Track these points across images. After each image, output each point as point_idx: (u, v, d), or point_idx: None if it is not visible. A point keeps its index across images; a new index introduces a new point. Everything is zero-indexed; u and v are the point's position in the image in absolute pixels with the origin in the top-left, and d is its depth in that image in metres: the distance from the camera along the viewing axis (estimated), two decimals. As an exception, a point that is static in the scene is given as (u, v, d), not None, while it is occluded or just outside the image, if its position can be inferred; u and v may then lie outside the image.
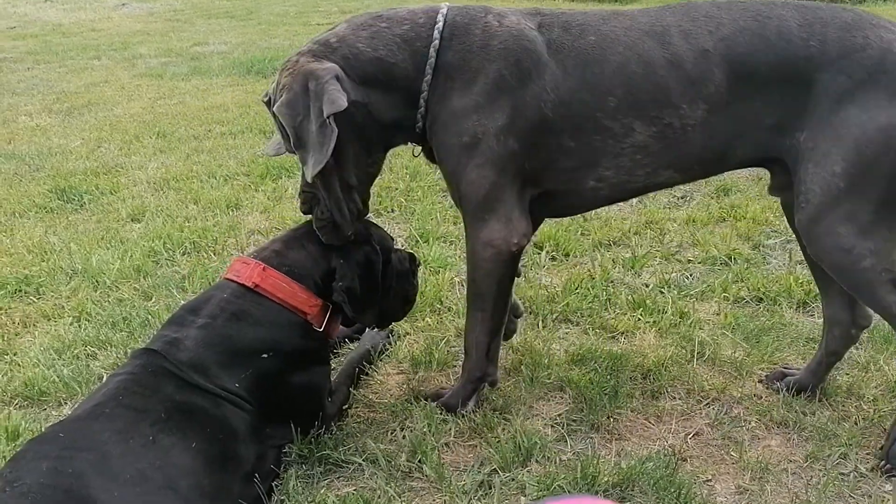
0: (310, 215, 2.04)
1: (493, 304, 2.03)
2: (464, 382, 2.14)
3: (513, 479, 1.89)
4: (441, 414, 2.11)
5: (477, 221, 1.94)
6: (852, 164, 1.72)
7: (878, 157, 1.71)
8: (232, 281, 1.98)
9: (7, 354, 2.54)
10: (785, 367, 2.27)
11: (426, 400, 2.17)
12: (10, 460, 1.54)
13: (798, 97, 1.77)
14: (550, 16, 1.95)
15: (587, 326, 2.58)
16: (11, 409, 2.22)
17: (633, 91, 1.84)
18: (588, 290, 2.77)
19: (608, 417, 2.11)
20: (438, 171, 2.08)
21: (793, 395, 2.13)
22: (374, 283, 2.10)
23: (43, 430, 1.74)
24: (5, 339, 2.63)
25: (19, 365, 2.46)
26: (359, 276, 2.05)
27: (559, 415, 2.13)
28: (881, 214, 1.75)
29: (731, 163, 1.94)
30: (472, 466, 1.94)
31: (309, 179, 1.86)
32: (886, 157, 1.71)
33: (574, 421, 2.10)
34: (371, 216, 2.45)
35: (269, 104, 1.94)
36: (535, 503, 0.95)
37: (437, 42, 1.88)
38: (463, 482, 1.87)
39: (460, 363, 2.38)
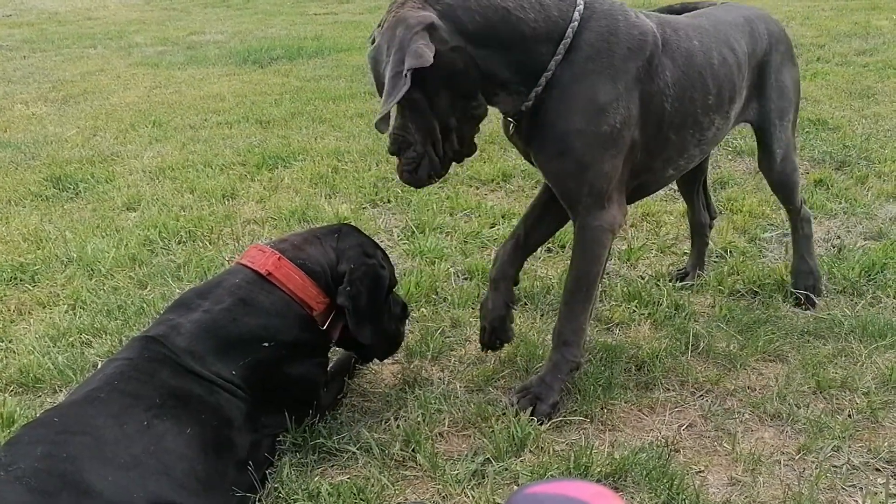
0: (395, 156, 1.99)
1: (596, 288, 2.12)
2: (560, 373, 2.08)
3: (506, 469, 1.89)
4: (434, 404, 2.12)
5: (598, 209, 1.98)
6: (794, 107, 2.48)
7: (798, 98, 2.52)
8: (245, 266, 1.98)
9: (2, 341, 2.54)
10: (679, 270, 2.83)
11: (514, 403, 2.08)
12: (5, 444, 1.54)
13: (759, 74, 2.35)
14: (663, 17, 2.13)
15: (592, 315, 2.57)
16: (6, 395, 2.22)
17: (722, 89, 2.15)
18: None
19: (602, 408, 2.11)
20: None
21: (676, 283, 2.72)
22: (378, 296, 2.10)
23: (38, 415, 1.74)
24: (0, 326, 2.63)
25: (14, 352, 2.46)
26: (365, 286, 2.05)
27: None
28: (794, 131, 2.56)
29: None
30: (466, 456, 1.94)
31: (377, 128, 1.79)
32: (798, 97, 2.54)
33: (568, 411, 2.10)
34: (380, 239, 2.43)
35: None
36: (525, 487, 0.95)
37: (576, 23, 1.87)
38: (457, 471, 1.88)
39: (455, 354, 2.40)
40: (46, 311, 2.73)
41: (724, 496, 1.79)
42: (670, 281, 2.75)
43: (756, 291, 2.67)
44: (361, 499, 1.79)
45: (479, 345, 2.32)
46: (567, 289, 2.11)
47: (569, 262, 2.92)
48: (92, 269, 2.98)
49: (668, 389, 2.19)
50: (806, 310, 2.54)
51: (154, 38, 8.91)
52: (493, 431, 1.99)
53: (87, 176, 4.10)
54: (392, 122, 1.86)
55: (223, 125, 5.04)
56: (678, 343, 2.37)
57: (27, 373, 2.30)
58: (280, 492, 1.82)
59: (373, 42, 1.89)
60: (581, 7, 1.89)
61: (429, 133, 1.91)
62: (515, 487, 1.84)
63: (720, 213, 3.24)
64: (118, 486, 1.49)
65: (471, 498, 1.80)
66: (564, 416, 2.07)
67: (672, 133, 2.08)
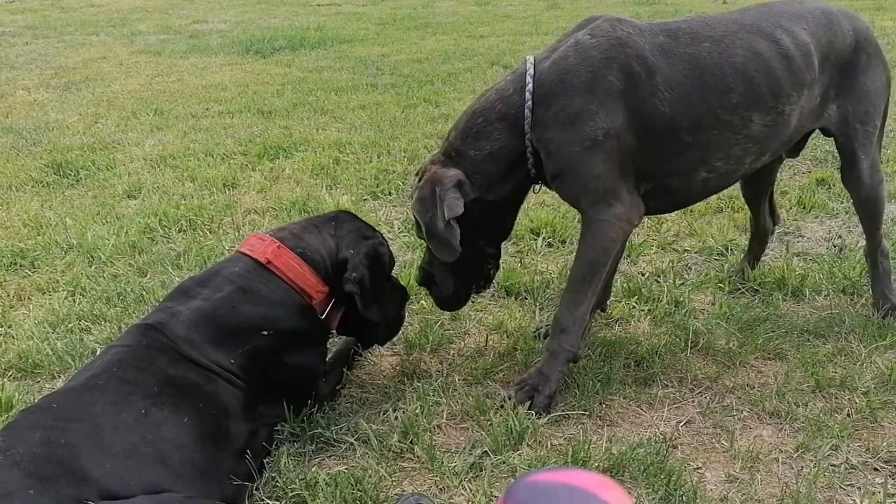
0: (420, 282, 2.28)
1: (600, 279, 2.13)
2: (558, 363, 2.09)
3: (504, 462, 1.89)
4: (432, 396, 2.12)
5: (602, 205, 2.05)
6: (879, 113, 2.34)
7: (885, 104, 2.36)
8: (245, 255, 1.98)
9: (1, 327, 2.53)
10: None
11: (511, 396, 2.09)
12: (4, 429, 1.54)
13: (840, 73, 2.25)
14: (662, 24, 2.14)
15: (594, 313, 2.57)
16: (5, 380, 2.22)
17: (754, 86, 2.09)
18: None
19: (600, 403, 2.11)
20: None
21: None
22: (380, 273, 2.11)
23: (36, 400, 1.73)
24: (0, 311, 2.63)
25: (13, 337, 2.46)
26: (368, 267, 2.05)
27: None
28: (881, 142, 2.46)
29: (797, 138, 2.32)
30: (464, 449, 1.94)
31: (446, 260, 2.09)
32: (886, 103, 2.38)
33: (566, 406, 2.10)
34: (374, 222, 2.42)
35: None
36: (526, 475, 0.95)
37: (529, 101, 2.04)
38: (454, 464, 1.88)
39: (454, 347, 2.39)
40: (46, 297, 2.72)
41: (721, 493, 1.79)
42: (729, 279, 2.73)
43: (756, 289, 2.67)
44: (359, 489, 1.79)
45: (478, 339, 2.32)
46: (570, 277, 2.13)
47: (568, 256, 2.95)
48: (92, 256, 2.98)
49: (667, 386, 2.19)
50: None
51: (157, 27, 8.88)
52: (491, 424, 1.99)
53: (88, 163, 4.09)
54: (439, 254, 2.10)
55: (225, 114, 5.03)
56: (677, 340, 2.37)
57: (26, 358, 2.30)
58: (277, 481, 1.82)
59: (412, 194, 2.14)
60: (530, 84, 2.05)
61: (456, 268, 2.17)
62: (506, 488, 1.84)
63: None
64: (115, 473, 1.48)
65: (468, 490, 1.80)
66: (563, 411, 2.07)
67: (686, 135, 2.07)
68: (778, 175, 2.74)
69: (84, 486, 1.43)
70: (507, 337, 2.43)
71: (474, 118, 2.11)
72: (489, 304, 2.64)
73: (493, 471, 1.86)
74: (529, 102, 2.04)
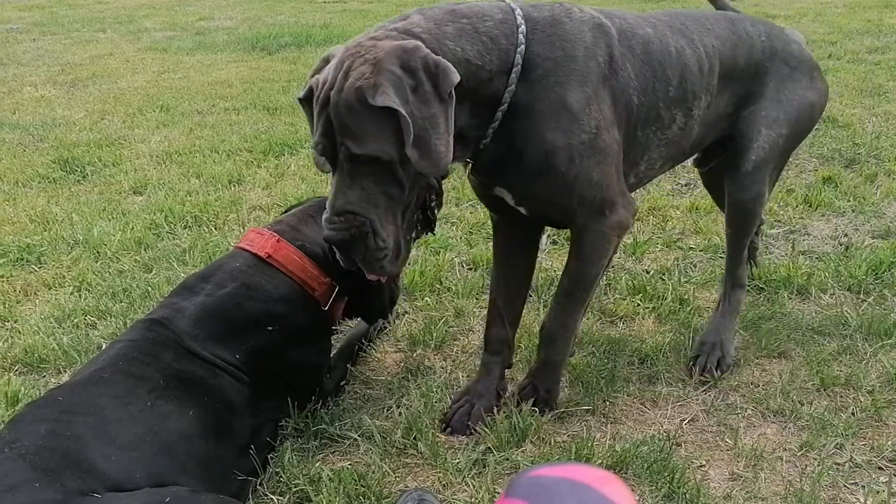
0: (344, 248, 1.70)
1: (594, 291, 2.03)
2: (556, 368, 2.05)
3: (507, 459, 1.89)
4: (436, 393, 2.12)
5: (598, 216, 1.84)
6: (791, 128, 2.18)
7: (802, 125, 2.23)
8: (244, 250, 1.98)
9: (8, 321, 2.55)
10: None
11: (521, 401, 2.04)
12: (10, 422, 1.55)
13: (753, 80, 2.14)
14: (605, 10, 1.93)
15: (586, 310, 2.57)
16: (11, 374, 2.23)
17: (684, 81, 1.96)
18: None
19: (604, 401, 2.11)
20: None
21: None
22: None
23: (42, 394, 1.74)
24: (6, 306, 2.64)
25: (20, 332, 2.47)
26: None
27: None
28: (779, 172, 2.30)
29: (696, 150, 2.23)
30: (467, 445, 1.94)
31: (440, 172, 1.63)
32: (804, 126, 2.25)
33: (570, 403, 2.10)
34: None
35: (307, 100, 1.71)
36: (528, 470, 0.95)
37: (522, 46, 1.71)
38: (457, 460, 1.88)
39: (458, 343, 2.39)
40: (52, 292, 2.73)
41: (724, 491, 1.78)
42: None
43: (761, 288, 2.66)
44: (362, 485, 1.79)
45: (482, 336, 2.27)
46: (562, 288, 1.98)
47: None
48: (98, 252, 2.99)
49: (671, 384, 2.18)
50: (704, 384, 2.17)
51: (163, 23, 8.90)
52: (494, 421, 1.99)
53: (95, 159, 4.10)
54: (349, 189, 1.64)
55: (230, 111, 5.04)
56: (682, 338, 2.37)
57: (32, 353, 2.31)
58: (281, 476, 1.83)
59: (309, 95, 1.69)
60: (522, 25, 1.73)
61: (398, 206, 1.69)
62: (508, 482, 1.84)
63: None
64: (120, 465, 1.49)
65: (471, 486, 1.81)
66: (566, 408, 2.07)
67: (638, 130, 1.91)
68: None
69: (89, 478, 1.44)
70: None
71: (456, 15, 1.71)
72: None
73: (496, 467, 1.86)
74: (522, 47, 1.71)
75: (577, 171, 1.76)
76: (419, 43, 1.58)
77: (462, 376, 2.23)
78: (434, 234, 2.13)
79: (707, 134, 2.13)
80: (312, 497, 1.75)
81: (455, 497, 1.78)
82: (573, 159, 1.75)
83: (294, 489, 1.78)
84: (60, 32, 8.40)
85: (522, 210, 1.91)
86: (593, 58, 1.77)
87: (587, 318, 2.51)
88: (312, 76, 1.71)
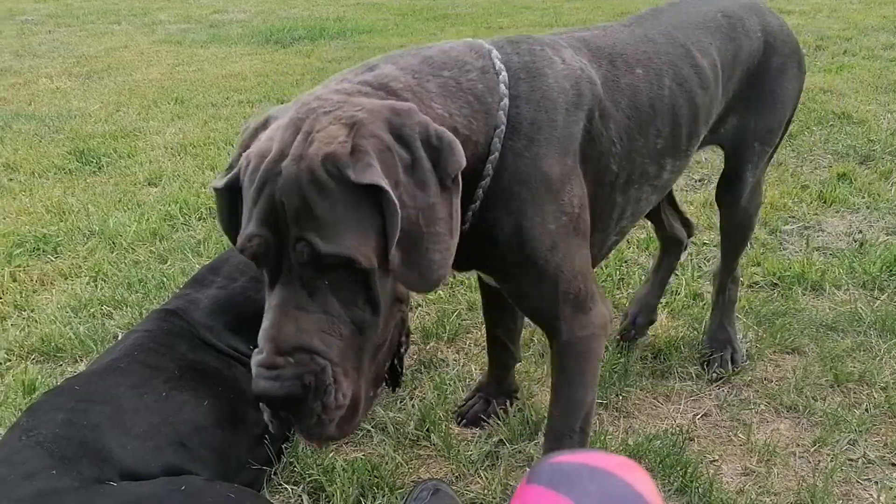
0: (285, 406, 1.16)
1: (593, 416, 1.61)
2: None
3: (519, 452, 1.90)
4: (449, 385, 2.12)
5: (582, 314, 1.48)
6: (783, 127, 1.98)
7: (790, 118, 2.00)
8: None
9: (24, 311, 2.57)
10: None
11: None
12: (27, 410, 1.57)
13: (746, 83, 1.84)
14: (593, 43, 1.57)
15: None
16: (28, 363, 2.26)
17: (677, 126, 1.63)
18: (601, 269, 2.76)
19: (617, 395, 2.11)
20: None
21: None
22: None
23: (59, 383, 1.76)
24: (23, 295, 2.66)
25: (36, 321, 2.49)
26: None
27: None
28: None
29: None
30: (480, 438, 1.95)
31: (430, 289, 1.14)
32: (791, 117, 2.01)
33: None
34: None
35: (227, 189, 1.21)
36: (548, 456, 0.96)
37: (506, 100, 1.33)
38: (470, 452, 1.89)
39: (471, 336, 2.40)
40: (68, 282, 2.76)
41: (737, 486, 1.78)
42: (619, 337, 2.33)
43: (776, 283, 2.65)
44: (375, 476, 1.80)
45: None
46: (554, 423, 1.56)
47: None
48: (113, 243, 3.01)
49: (684, 378, 2.18)
50: (714, 375, 2.16)
51: (177, 16, 8.93)
52: (507, 414, 2.00)
53: (110, 150, 4.13)
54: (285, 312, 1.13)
55: (244, 104, 5.05)
56: (695, 333, 2.36)
57: (49, 342, 2.33)
58: (295, 466, 1.84)
59: (228, 183, 1.20)
60: (503, 73, 1.35)
61: (368, 342, 1.18)
62: (528, 469, 1.85)
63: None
64: (136, 454, 1.51)
65: (483, 478, 1.81)
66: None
67: (618, 195, 1.57)
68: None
69: (105, 467, 1.45)
70: (525, 328, 2.43)
71: (434, 66, 1.31)
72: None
73: (508, 460, 1.87)
74: (506, 101, 1.33)
75: (559, 261, 1.40)
76: (413, 105, 1.16)
77: (475, 369, 2.23)
78: (398, 389, 1.52)
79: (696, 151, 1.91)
80: (326, 487, 1.76)
81: (468, 489, 1.79)
82: (555, 247, 1.38)
83: (308, 479, 1.80)
84: (75, 24, 8.44)
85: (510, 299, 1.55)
86: (575, 123, 1.40)
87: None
88: (241, 150, 1.21)
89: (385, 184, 1.06)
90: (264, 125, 1.21)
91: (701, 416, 2.03)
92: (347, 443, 1.95)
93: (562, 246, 1.40)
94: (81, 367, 2.21)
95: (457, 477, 1.83)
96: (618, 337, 2.32)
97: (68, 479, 1.38)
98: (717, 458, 1.88)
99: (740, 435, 1.95)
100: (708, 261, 2.86)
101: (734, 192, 2.02)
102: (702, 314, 2.45)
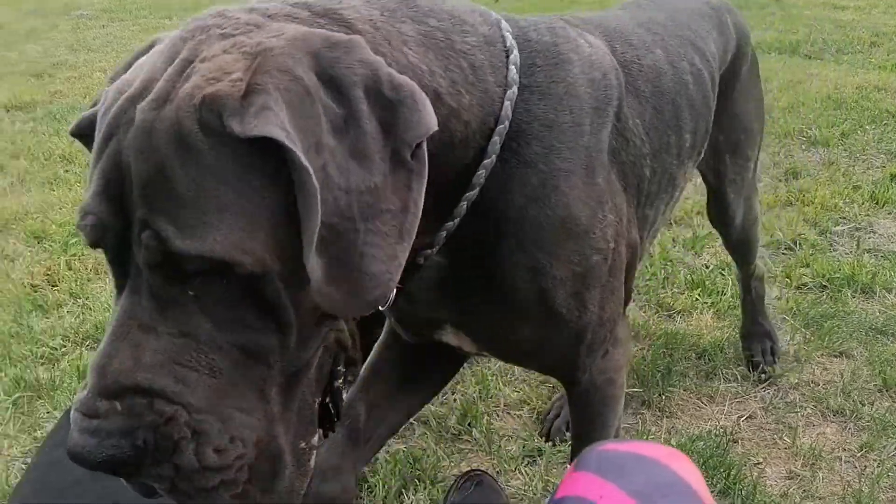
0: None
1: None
2: None
3: (560, 451, 1.91)
4: (491, 380, 2.14)
5: (607, 353, 1.22)
6: (757, 140, 1.84)
7: (762, 128, 1.87)
8: None
9: (80, 298, 2.66)
10: None
11: None
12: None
13: (721, 92, 1.61)
14: (600, 23, 1.29)
15: (643, 303, 2.56)
16: (83, 349, 2.34)
17: (699, 119, 1.39)
18: (646, 267, 2.75)
19: (660, 395, 2.10)
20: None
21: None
22: None
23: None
24: (78, 283, 2.75)
25: (91, 309, 2.57)
26: None
27: (610, 389, 2.13)
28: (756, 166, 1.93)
29: None
30: (521, 434, 1.96)
31: (367, 311, 0.77)
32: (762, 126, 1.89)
33: (626, 396, 2.10)
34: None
35: (85, 134, 0.88)
36: (596, 444, 0.96)
37: (514, 88, 0.97)
38: (511, 448, 1.90)
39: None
40: (121, 271, 2.84)
41: (781, 489, 1.77)
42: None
43: (824, 285, 2.61)
44: (417, 468, 1.83)
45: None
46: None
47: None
48: (164, 234, 3.09)
49: (729, 380, 2.16)
50: (762, 375, 2.14)
51: (226, 11, 9.06)
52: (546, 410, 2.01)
53: (161, 143, 4.23)
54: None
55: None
56: (741, 333, 2.34)
57: (102, 329, 2.41)
58: (339, 456, 1.87)
59: (86, 123, 0.88)
60: (514, 53, 0.99)
61: (268, 376, 0.78)
62: (569, 467, 1.86)
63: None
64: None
65: (525, 475, 1.83)
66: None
67: (647, 207, 1.27)
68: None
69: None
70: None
71: (419, 11, 0.92)
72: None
73: (550, 457, 1.88)
74: (514, 90, 0.97)
75: (582, 310, 1.08)
76: (360, 39, 0.77)
77: (518, 368, 2.24)
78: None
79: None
80: (368, 478, 1.80)
81: (508, 484, 1.81)
82: (579, 294, 1.06)
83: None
84: (128, 19, 8.64)
85: (484, 354, 1.24)
86: (605, 126, 1.09)
87: (643, 312, 2.50)
88: (109, 83, 0.87)
89: (289, 139, 0.67)
90: (148, 48, 0.88)
91: (745, 419, 2.01)
92: (390, 435, 1.98)
93: (588, 292, 1.07)
94: (134, 354, 2.28)
95: (498, 472, 1.85)
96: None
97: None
98: (761, 460, 1.86)
99: (785, 438, 1.93)
100: (754, 261, 2.82)
101: (724, 214, 1.91)
102: (748, 315, 2.42)
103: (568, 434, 1.96)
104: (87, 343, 2.39)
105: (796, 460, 1.86)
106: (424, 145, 0.76)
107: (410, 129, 0.74)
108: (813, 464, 1.84)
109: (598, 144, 1.08)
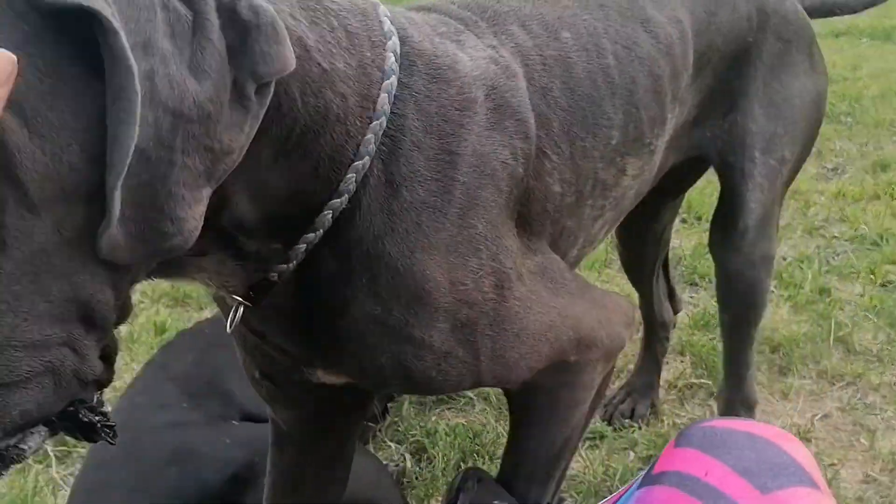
0: None
1: (572, 450, 1.17)
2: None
3: (622, 436, 1.87)
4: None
5: (567, 362, 1.03)
6: (797, 144, 1.42)
7: (810, 134, 1.46)
8: None
9: (156, 256, 2.74)
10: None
11: None
12: (163, 347, 1.68)
13: (732, 68, 1.34)
14: (485, 4, 1.04)
15: (714, 293, 2.48)
16: (160, 306, 2.41)
17: (633, 108, 1.12)
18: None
19: (729, 387, 2.04)
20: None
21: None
22: None
23: (191, 325, 1.87)
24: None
25: (166, 267, 2.65)
26: None
27: (676, 378, 2.09)
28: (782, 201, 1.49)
29: (654, 183, 1.33)
30: (584, 416, 1.93)
31: (150, 259, 0.64)
32: (812, 134, 1.47)
33: (692, 386, 2.05)
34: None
35: None
36: (700, 421, 0.90)
37: (394, 78, 0.81)
38: (573, 430, 1.88)
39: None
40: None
41: (857, 493, 1.69)
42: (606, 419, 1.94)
43: (912, 284, 2.48)
44: (477, 443, 1.82)
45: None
46: (515, 470, 1.15)
47: (703, 233, 2.84)
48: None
49: (805, 377, 2.08)
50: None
51: None
52: (656, 416, 1.96)
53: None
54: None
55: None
56: (820, 330, 2.24)
57: (178, 288, 2.48)
58: (399, 426, 1.89)
59: None
60: (394, 41, 0.83)
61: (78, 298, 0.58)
62: (632, 453, 1.83)
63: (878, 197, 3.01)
64: (254, 399, 1.58)
65: (584, 458, 1.80)
66: (690, 388, 2.02)
67: (567, 218, 1.07)
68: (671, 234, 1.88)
69: (228, 407, 1.54)
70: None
71: None
72: (616, 274, 2.59)
73: (612, 442, 1.84)
74: (393, 80, 0.80)
75: (463, 367, 0.91)
76: None
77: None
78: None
79: (670, 155, 1.33)
80: (429, 448, 1.80)
81: (570, 468, 1.78)
82: (451, 355, 0.89)
83: (411, 439, 1.84)
84: None
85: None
86: (491, 155, 0.88)
87: (714, 302, 2.40)
88: None
89: (113, 18, 0.53)
90: None
91: (820, 418, 1.93)
92: (450, 408, 1.98)
93: (472, 349, 0.90)
94: (206, 314, 2.34)
95: (558, 453, 1.83)
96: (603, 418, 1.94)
97: (196, 413, 1.47)
98: (835, 462, 1.79)
99: (863, 441, 1.85)
100: (836, 254, 2.71)
101: (732, 225, 1.41)
102: (828, 310, 2.32)
103: (629, 420, 1.93)
104: (163, 300, 2.46)
105: (874, 464, 1.77)
106: (272, 87, 0.63)
107: (263, 61, 0.61)
108: (892, 469, 1.75)
109: (479, 179, 0.86)
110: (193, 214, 0.60)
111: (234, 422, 1.51)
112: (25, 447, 0.60)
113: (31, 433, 0.60)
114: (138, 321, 2.25)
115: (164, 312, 2.33)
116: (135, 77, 0.53)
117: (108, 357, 0.65)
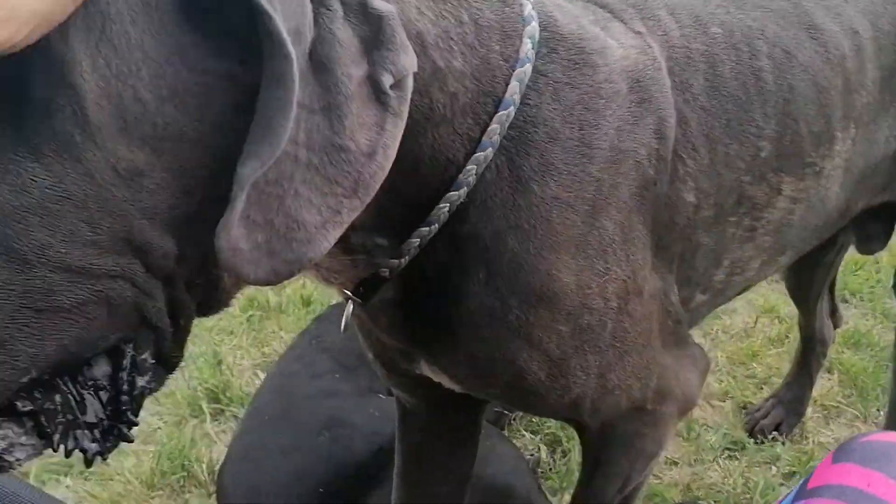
0: None
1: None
2: None
3: (762, 451, 1.82)
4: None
5: (644, 409, 0.99)
6: None
7: None
8: None
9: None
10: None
11: None
12: (317, 318, 1.77)
13: None
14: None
15: (866, 310, 2.36)
16: (305, 279, 2.52)
17: (791, 121, 1.01)
18: (871, 273, 2.53)
19: (878, 410, 1.94)
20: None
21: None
22: None
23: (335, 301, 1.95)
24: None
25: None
26: None
27: (822, 395, 2.00)
28: None
29: (843, 222, 1.21)
30: (723, 426, 1.89)
31: (286, 277, 0.55)
32: None
33: (838, 405, 1.96)
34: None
35: None
36: (859, 436, 0.89)
37: (528, 65, 0.76)
38: (711, 440, 1.83)
39: (719, 323, 2.30)
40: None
41: None
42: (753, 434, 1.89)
43: None
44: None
45: (746, 319, 2.09)
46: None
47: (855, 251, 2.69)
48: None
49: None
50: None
51: None
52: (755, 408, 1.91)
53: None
54: None
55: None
56: None
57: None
58: (533, 417, 1.89)
59: None
60: (534, 26, 0.77)
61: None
62: (773, 468, 1.77)
63: None
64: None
65: (723, 468, 1.76)
66: (837, 408, 1.94)
67: (702, 234, 0.97)
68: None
69: (376, 381, 1.59)
70: (779, 322, 2.29)
71: None
72: (761, 285, 2.49)
73: (754, 455, 1.79)
74: (527, 67, 0.75)
75: (572, 379, 0.87)
76: None
77: (721, 356, 2.14)
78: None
79: (858, 193, 1.16)
80: (564, 442, 1.81)
81: (706, 474, 1.75)
82: (564, 362, 0.85)
83: (546, 431, 1.85)
84: None
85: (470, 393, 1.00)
86: (630, 151, 0.83)
87: (865, 320, 2.31)
88: None
89: (268, 2, 0.49)
90: None
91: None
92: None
93: (583, 360, 0.86)
94: (348, 289, 2.44)
95: (695, 460, 1.79)
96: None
97: (348, 384, 1.54)
98: None
99: None
100: None
101: None
102: None
103: (773, 434, 1.87)
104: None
105: None
106: (411, 81, 0.58)
107: (398, 58, 0.57)
108: None
109: (614, 177, 0.82)
110: (325, 224, 0.54)
111: (380, 395, 1.56)
112: (11, 458, 0.54)
113: (22, 445, 0.54)
114: (285, 293, 2.37)
115: (310, 286, 2.44)
116: (293, 65, 0.49)
117: (176, 318, 0.58)
